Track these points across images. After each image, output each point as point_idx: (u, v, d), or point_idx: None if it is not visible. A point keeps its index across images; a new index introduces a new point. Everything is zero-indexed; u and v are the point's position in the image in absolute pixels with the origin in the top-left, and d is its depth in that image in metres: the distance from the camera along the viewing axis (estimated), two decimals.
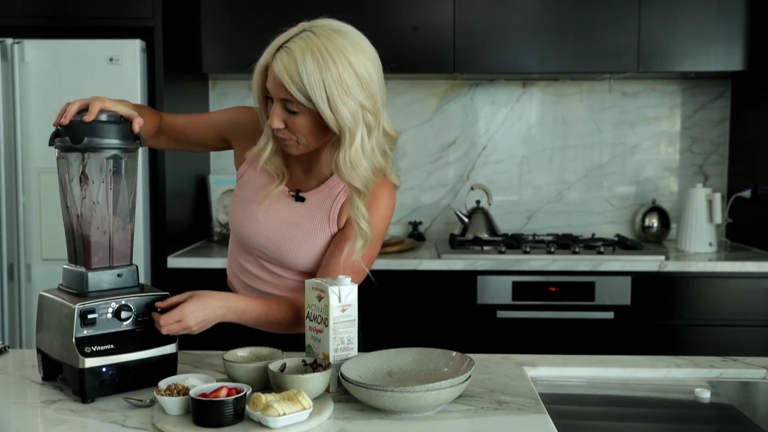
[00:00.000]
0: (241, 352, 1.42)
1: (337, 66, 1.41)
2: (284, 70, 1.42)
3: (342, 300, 1.37)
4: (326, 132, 1.49)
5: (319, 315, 1.38)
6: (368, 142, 1.48)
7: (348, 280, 1.40)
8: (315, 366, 1.35)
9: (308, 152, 1.57)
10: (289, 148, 1.54)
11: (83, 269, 1.41)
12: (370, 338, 1.68)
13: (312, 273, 1.61)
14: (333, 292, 1.37)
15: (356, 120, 1.45)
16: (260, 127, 1.62)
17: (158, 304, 1.41)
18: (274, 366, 1.33)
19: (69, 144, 1.39)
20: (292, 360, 1.37)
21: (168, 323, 1.38)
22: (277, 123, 1.48)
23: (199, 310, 1.41)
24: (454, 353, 1.42)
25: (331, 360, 1.38)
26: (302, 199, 1.61)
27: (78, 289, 1.40)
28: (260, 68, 1.52)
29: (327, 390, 1.36)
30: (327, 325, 1.37)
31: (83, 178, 1.40)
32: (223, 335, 1.74)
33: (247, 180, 1.67)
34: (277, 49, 1.46)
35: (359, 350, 1.45)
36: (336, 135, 1.48)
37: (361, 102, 1.45)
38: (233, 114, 1.74)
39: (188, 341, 1.65)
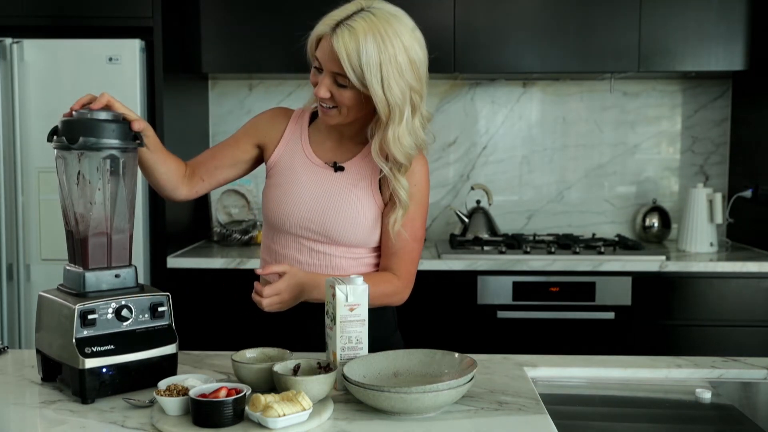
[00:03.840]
0: (250, 353, 1.41)
1: (394, 48, 1.49)
2: (343, 47, 1.48)
3: (349, 299, 1.37)
4: (368, 107, 1.56)
5: (332, 313, 1.38)
6: (412, 121, 1.56)
7: (360, 279, 1.39)
8: (327, 368, 1.35)
9: (342, 125, 1.63)
10: (329, 117, 1.60)
11: (81, 269, 1.41)
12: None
13: (359, 247, 1.65)
14: (340, 290, 1.37)
15: (405, 99, 1.52)
16: (280, 119, 1.73)
17: (257, 271, 1.51)
18: (283, 367, 1.33)
19: (65, 144, 1.38)
20: (307, 361, 1.37)
21: (269, 295, 1.47)
22: (323, 93, 1.55)
23: (293, 287, 1.51)
24: (457, 355, 1.41)
25: (338, 359, 1.38)
26: (342, 169, 1.65)
27: (76, 290, 1.40)
28: (315, 37, 1.57)
29: (335, 388, 1.36)
30: (335, 323, 1.37)
31: (81, 177, 1.40)
32: (223, 335, 1.74)
33: (282, 165, 1.69)
34: (337, 24, 1.50)
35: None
36: (376, 111, 1.55)
37: (410, 84, 1.52)
38: (252, 120, 1.78)
39: (188, 341, 1.65)
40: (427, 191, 1.68)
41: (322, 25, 1.52)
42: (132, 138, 1.44)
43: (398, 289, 1.66)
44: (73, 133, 1.37)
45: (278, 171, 1.69)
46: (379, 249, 1.69)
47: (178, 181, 1.67)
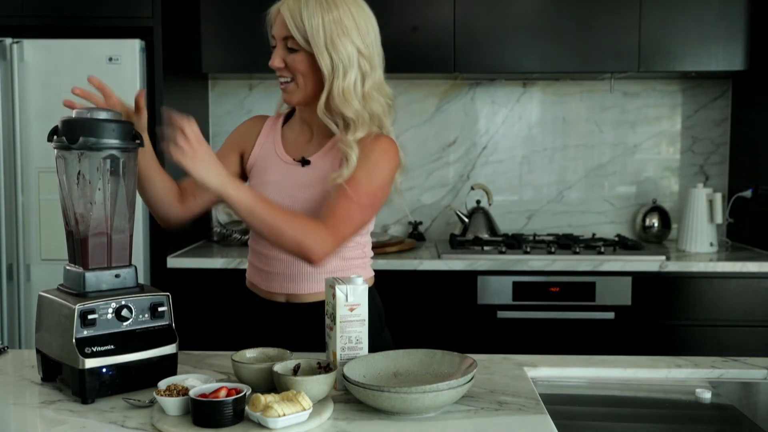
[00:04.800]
0: (250, 353, 1.41)
1: (339, 11, 1.55)
2: (288, 10, 1.56)
3: (349, 299, 1.37)
4: (322, 76, 1.57)
5: (332, 312, 1.38)
6: (361, 88, 1.58)
7: (360, 280, 1.39)
8: (327, 368, 1.35)
9: (310, 117, 1.65)
10: (289, 94, 1.63)
11: (81, 269, 1.41)
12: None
13: None
14: (340, 290, 1.37)
15: (351, 61, 1.56)
16: (256, 124, 1.77)
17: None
18: (283, 367, 1.33)
19: (65, 144, 1.38)
20: (306, 361, 1.37)
21: (193, 133, 1.39)
22: (277, 62, 1.60)
23: (210, 155, 1.43)
24: (458, 355, 1.41)
25: (338, 358, 1.38)
26: (308, 162, 1.67)
27: (76, 290, 1.40)
28: (272, 18, 1.62)
29: (335, 388, 1.36)
30: (335, 323, 1.37)
31: (81, 177, 1.40)
32: (223, 335, 1.74)
33: (257, 167, 1.73)
34: None
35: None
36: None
37: (357, 46, 1.56)
38: (233, 132, 1.82)
39: (188, 341, 1.65)
40: (384, 165, 1.61)
41: (276, 4, 1.60)
42: (132, 138, 1.44)
43: (317, 232, 1.50)
44: (73, 133, 1.37)
45: (254, 173, 1.73)
46: (360, 241, 1.70)
47: (173, 197, 1.69)
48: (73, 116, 1.43)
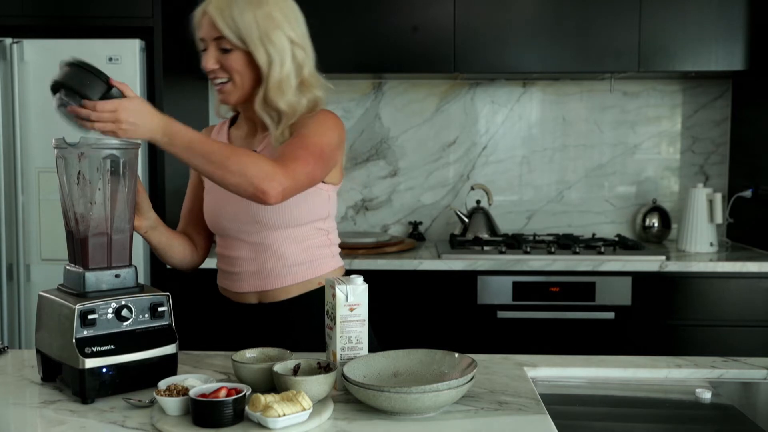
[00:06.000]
0: (250, 353, 1.41)
1: (268, 6, 1.56)
2: (216, 9, 1.55)
3: (349, 299, 1.37)
4: (259, 72, 1.58)
5: (332, 313, 1.38)
6: (295, 78, 1.59)
7: (360, 279, 1.39)
8: (327, 368, 1.35)
9: (251, 114, 1.65)
10: (226, 95, 1.62)
11: (81, 269, 1.41)
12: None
13: (296, 226, 1.64)
14: (340, 290, 1.37)
15: (285, 52, 1.57)
16: (206, 134, 1.72)
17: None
18: (283, 367, 1.33)
19: (66, 144, 1.38)
20: (306, 361, 1.37)
21: (102, 110, 1.34)
22: (211, 64, 1.58)
23: (137, 111, 1.37)
24: (457, 355, 1.41)
25: (338, 358, 1.38)
26: None
27: (76, 290, 1.40)
28: (198, 19, 1.60)
29: (335, 388, 1.36)
30: (335, 323, 1.37)
31: (81, 177, 1.40)
32: (223, 336, 1.74)
33: None
34: None
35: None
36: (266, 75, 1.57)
37: (290, 37, 1.58)
38: None
39: (188, 341, 1.65)
40: (326, 127, 1.61)
41: (201, 5, 1.59)
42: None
43: (268, 166, 1.45)
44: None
45: (206, 179, 1.72)
46: (323, 227, 1.70)
47: (191, 248, 1.78)
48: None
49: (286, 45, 1.58)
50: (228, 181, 1.44)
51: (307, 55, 1.63)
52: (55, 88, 1.38)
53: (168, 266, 1.79)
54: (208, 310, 2.87)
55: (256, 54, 1.56)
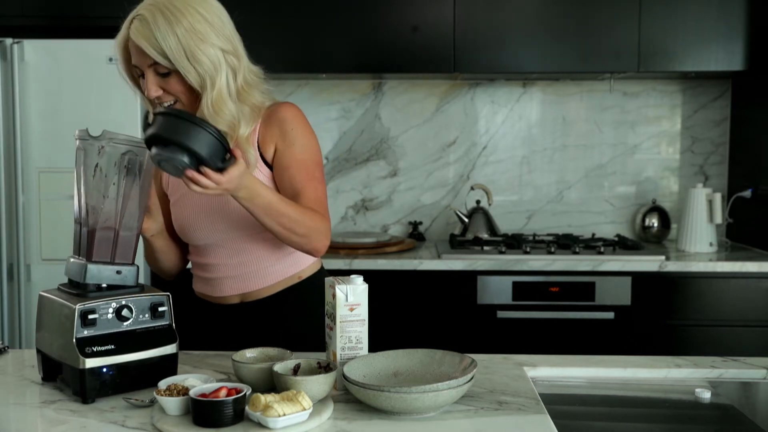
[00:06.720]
0: (250, 353, 1.41)
1: (187, 18, 1.48)
2: (141, 37, 1.47)
3: (349, 299, 1.37)
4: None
5: (332, 312, 1.39)
6: (234, 84, 1.55)
7: (360, 279, 1.40)
8: (327, 368, 1.35)
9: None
10: None
11: (84, 261, 1.41)
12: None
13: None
14: (340, 290, 1.37)
15: (218, 65, 1.51)
16: None
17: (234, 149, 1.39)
18: (283, 367, 1.33)
19: (89, 135, 1.39)
20: (306, 361, 1.37)
21: (219, 182, 1.36)
22: (154, 91, 1.53)
23: (239, 178, 1.39)
24: (458, 355, 1.41)
25: (338, 358, 1.38)
26: None
27: (77, 280, 1.40)
28: (121, 46, 1.55)
29: (335, 388, 1.36)
30: (335, 323, 1.37)
31: (98, 170, 1.41)
32: (224, 336, 1.74)
33: (172, 183, 1.72)
34: (131, 22, 1.50)
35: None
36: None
37: (219, 46, 1.51)
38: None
39: (188, 341, 1.65)
40: (309, 131, 1.64)
41: (122, 30, 1.53)
42: (222, 157, 1.39)
43: (322, 226, 1.57)
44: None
45: (171, 191, 1.72)
46: None
47: (183, 254, 1.76)
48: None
49: (217, 57, 1.51)
50: (289, 240, 1.55)
51: (239, 57, 1.56)
52: (177, 152, 1.34)
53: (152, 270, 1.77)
54: (190, 311, 2.87)
55: (189, 77, 1.50)
